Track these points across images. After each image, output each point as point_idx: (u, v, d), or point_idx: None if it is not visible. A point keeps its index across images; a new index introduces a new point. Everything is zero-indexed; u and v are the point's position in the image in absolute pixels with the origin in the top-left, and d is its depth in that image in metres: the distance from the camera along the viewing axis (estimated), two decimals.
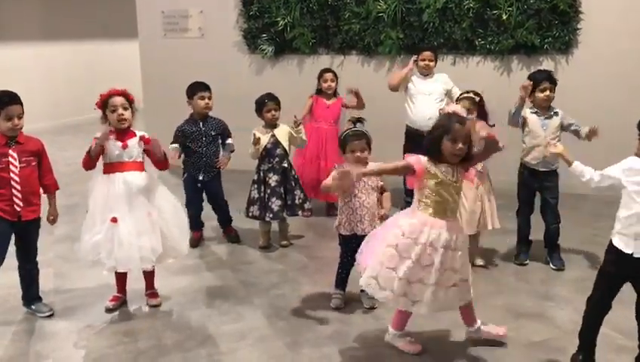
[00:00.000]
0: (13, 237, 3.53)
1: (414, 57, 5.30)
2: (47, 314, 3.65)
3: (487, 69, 6.12)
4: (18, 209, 3.43)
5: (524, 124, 4.14)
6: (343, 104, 5.38)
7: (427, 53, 5.23)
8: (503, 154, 3.19)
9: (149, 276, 3.76)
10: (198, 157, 4.65)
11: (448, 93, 5.21)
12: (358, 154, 3.51)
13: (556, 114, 4.12)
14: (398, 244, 2.91)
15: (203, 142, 4.63)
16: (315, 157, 5.30)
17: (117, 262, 3.45)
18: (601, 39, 5.71)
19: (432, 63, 5.23)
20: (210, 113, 4.70)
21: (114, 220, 3.42)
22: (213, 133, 4.66)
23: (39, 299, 3.72)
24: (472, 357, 3.13)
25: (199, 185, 4.72)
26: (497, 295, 3.84)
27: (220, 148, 4.73)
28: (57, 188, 3.70)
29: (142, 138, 3.59)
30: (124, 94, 3.56)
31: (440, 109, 3.50)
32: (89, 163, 3.54)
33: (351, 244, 3.53)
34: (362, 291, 3.56)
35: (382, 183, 3.61)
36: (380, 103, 5.50)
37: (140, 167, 3.60)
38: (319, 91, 5.38)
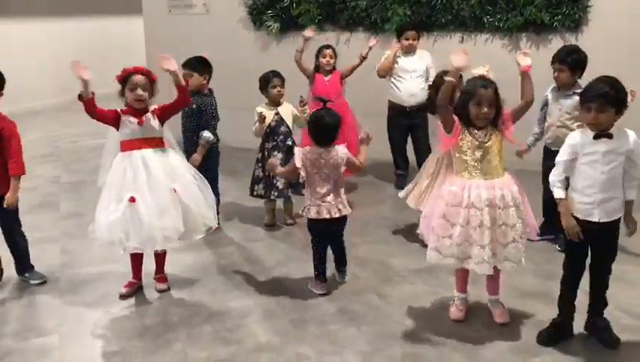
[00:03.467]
0: None
1: (395, 42, 5.41)
2: (39, 281, 3.73)
3: (495, 47, 6.04)
4: None
5: (546, 103, 4.11)
6: (341, 76, 5.33)
7: (411, 33, 5.36)
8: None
9: (160, 258, 3.69)
10: (196, 127, 4.35)
11: (427, 71, 5.33)
12: None
13: (576, 93, 3.90)
14: (445, 214, 3.06)
15: (183, 114, 4.34)
16: None
17: (139, 243, 3.33)
18: (612, 17, 5.61)
19: (415, 42, 5.35)
20: (216, 89, 4.61)
21: (132, 200, 3.30)
22: (194, 107, 4.28)
23: (31, 267, 3.79)
24: (478, 334, 3.13)
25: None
26: (502, 274, 3.83)
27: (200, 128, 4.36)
28: (21, 173, 3.53)
29: (153, 111, 3.47)
30: (146, 74, 3.44)
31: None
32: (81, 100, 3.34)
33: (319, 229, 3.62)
34: (338, 270, 3.77)
35: (352, 159, 3.53)
36: (384, 81, 5.45)
37: (160, 143, 3.49)
38: (317, 68, 5.33)
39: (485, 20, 5.98)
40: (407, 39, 5.32)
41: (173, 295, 3.64)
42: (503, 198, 3.01)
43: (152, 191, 3.36)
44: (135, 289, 3.65)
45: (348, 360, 2.95)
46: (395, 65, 5.35)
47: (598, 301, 3.05)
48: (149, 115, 3.46)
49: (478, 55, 5.43)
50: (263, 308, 3.45)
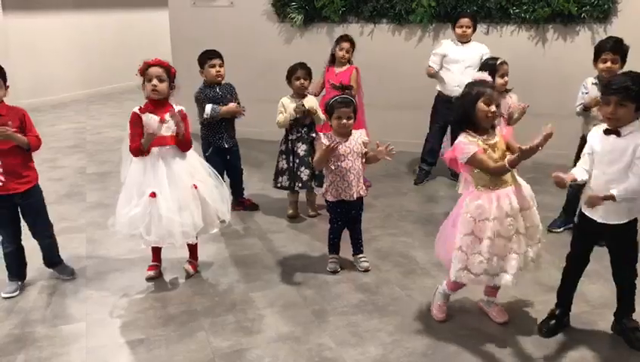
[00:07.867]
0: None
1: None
2: (69, 276, 3.75)
3: (521, 39, 5.96)
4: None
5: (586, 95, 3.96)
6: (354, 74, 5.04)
7: (465, 20, 5.15)
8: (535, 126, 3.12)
9: (192, 247, 3.79)
10: (218, 124, 4.56)
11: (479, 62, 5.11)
12: (344, 121, 3.56)
13: None
14: (473, 230, 2.89)
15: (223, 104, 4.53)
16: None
17: (158, 238, 3.44)
18: None
19: (469, 30, 5.16)
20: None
21: (152, 195, 3.39)
22: (229, 97, 4.58)
23: (60, 263, 3.78)
24: (500, 330, 3.12)
25: (227, 156, 4.67)
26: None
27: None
28: (35, 147, 3.43)
29: (180, 112, 3.48)
30: (163, 66, 3.47)
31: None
32: (140, 152, 3.45)
33: (338, 210, 3.73)
34: (355, 255, 3.84)
35: (366, 150, 3.66)
36: (408, 74, 5.43)
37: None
38: (333, 58, 5.14)
39: (511, 11, 5.90)
40: (460, 27, 5.14)
41: (197, 285, 3.68)
42: (526, 199, 2.93)
43: (173, 187, 3.44)
44: (159, 272, 3.76)
45: (369, 351, 2.96)
46: (447, 55, 5.20)
47: (623, 302, 3.01)
48: (170, 115, 3.44)
49: (503, 47, 5.40)
50: (284, 299, 3.47)
